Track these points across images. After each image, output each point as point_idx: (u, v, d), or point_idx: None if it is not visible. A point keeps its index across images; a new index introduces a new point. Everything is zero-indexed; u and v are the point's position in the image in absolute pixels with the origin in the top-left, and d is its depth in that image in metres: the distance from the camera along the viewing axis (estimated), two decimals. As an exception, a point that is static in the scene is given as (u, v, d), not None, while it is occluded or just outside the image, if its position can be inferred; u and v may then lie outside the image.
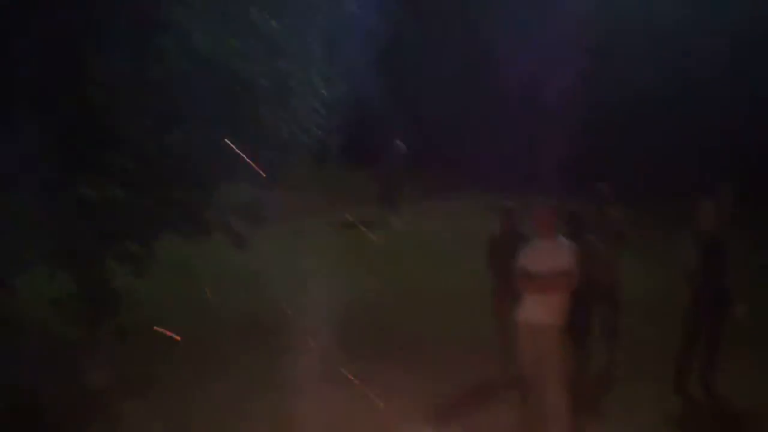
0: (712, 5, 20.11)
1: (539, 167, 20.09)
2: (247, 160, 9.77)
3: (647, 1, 21.44)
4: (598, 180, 10.35)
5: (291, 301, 12.22)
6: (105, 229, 9.45)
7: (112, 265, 9.83)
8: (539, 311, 7.68)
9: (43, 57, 8.54)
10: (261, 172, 10.33)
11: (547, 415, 7.75)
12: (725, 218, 9.40)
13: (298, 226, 16.58)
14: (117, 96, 9.00)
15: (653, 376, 9.62)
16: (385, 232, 17.71)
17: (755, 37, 19.76)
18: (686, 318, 9.21)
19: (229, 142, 9.43)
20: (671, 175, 19.42)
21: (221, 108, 9.54)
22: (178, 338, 9.18)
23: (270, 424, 8.27)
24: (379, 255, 15.35)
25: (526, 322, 7.76)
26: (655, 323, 11.07)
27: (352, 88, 11.35)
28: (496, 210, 10.04)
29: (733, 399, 9.20)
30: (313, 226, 17.28)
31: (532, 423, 7.90)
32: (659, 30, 20.91)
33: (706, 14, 20.09)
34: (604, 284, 9.47)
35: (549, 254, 7.75)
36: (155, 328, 9.32)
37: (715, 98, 20.35)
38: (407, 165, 18.76)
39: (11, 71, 8.52)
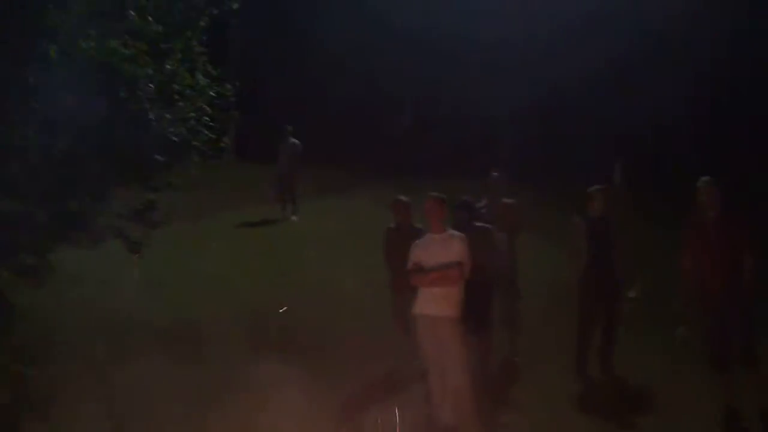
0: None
1: (434, 159, 20.44)
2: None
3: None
4: (492, 169, 10.57)
5: (191, 305, 12.20)
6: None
7: (6, 279, 9.65)
8: (434, 304, 7.77)
9: None
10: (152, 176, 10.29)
11: (452, 403, 7.83)
12: (615, 202, 9.67)
13: (195, 227, 16.43)
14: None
15: (555, 359, 9.88)
16: (284, 229, 17.71)
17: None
18: (580, 302, 9.44)
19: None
20: (570, 161, 19.93)
21: (108, 112, 9.43)
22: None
23: None
24: (279, 253, 15.31)
25: (423, 314, 7.85)
26: (557, 308, 11.35)
27: (240, 87, 11.29)
28: (390, 204, 10.13)
29: (629, 378, 9.48)
30: (210, 226, 17.14)
31: (439, 413, 7.98)
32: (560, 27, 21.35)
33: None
34: (500, 272, 9.64)
35: (440, 247, 7.83)
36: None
37: (611, 89, 20.98)
38: (302, 161, 18.74)
39: None
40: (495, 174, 10.41)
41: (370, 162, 21.31)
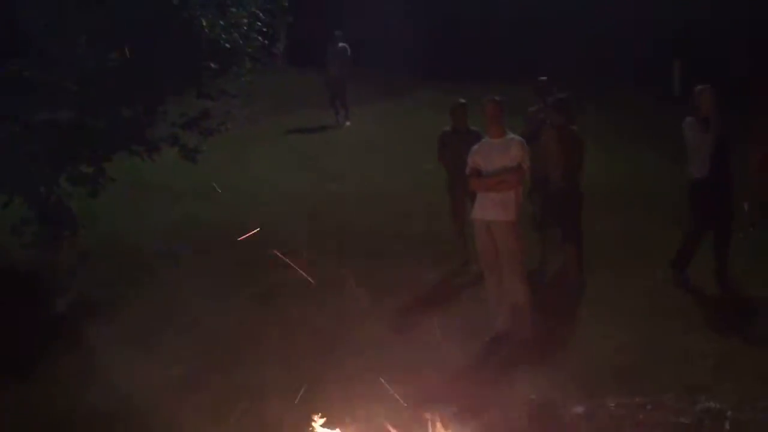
0: None
1: (490, 62, 20.04)
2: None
3: None
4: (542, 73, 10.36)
5: (247, 209, 12.29)
6: (57, 152, 9.38)
7: (66, 188, 9.83)
8: (492, 209, 7.65)
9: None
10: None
11: (508, 309, 7.80)
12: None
13: (248, 133, 16.46)
14: (51, 15, 8.82)
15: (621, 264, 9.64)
16: (337, 134, 17.66)
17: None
18: (702, 202, 8.87)
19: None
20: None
21: (161, 20, 9.38)
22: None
23: (242, 336, 8.19)
24: (331, 158, 15.29)
25: (481, 219, 7.77)
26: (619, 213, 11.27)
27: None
28: (447, 107, 9.99)
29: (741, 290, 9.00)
30: (263, 132, 17.14)
31: (495, 318, 7.95)
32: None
33: None
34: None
35: (498, 151, 7.68)
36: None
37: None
38: (352, 65, 18.54)
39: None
40: (543, 78, 10.18)
41: (428, 66, 20.93)
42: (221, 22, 9.84)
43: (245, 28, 10.26)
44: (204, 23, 9.61)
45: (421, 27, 22.00)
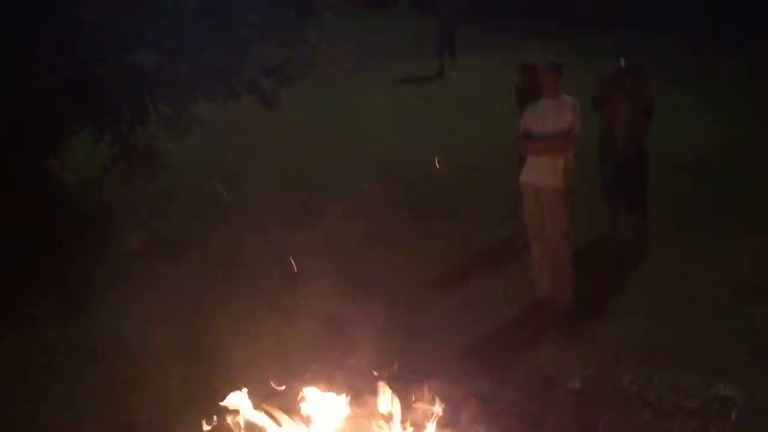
0: None
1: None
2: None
3: None
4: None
5: (336, 158, 12.39)
6: (141, 94, 9.69)
7: (152, 129, 10.12)
8: (539, 173, 7.47)
9: None
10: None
11: (551, 274, 7.69)
12: None
13: (354, 81, 16.50)
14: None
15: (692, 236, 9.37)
16: (441, 85, 17.48)
17: None
18: None
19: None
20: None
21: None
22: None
23: (314, 282, 7.99)
24: (431, 110, 15.19)
25: (527, 183, 7.63)
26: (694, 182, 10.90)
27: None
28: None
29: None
30: (368, 80, 17.14)
31: (538, 283, 7.88)
32: None
33: None
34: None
35: (551, 113, 7.45)
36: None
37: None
38: (463, 13, 18.27)
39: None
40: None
41: (542, 18, 20.47)
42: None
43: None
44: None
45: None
